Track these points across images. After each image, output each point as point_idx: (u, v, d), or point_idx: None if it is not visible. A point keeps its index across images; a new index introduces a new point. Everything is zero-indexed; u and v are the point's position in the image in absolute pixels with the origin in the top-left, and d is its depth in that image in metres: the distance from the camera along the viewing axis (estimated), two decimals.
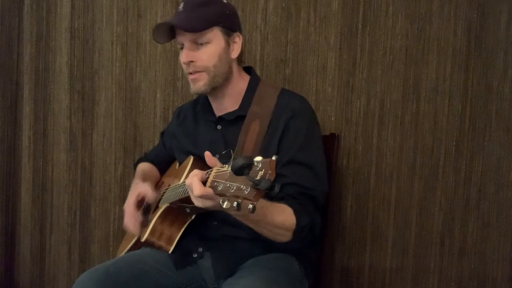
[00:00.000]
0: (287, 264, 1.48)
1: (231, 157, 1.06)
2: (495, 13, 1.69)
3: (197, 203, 1.18)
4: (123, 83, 2.21)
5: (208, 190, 1.10)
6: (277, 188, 1.01)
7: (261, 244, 1.46)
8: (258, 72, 1.81)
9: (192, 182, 1.14)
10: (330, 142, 1.74)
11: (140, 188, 1.61)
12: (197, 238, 1.47)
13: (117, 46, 2.21)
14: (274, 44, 1.95)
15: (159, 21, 2.12)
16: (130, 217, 1.57)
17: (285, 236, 1.37)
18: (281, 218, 1.33)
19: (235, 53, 1.53)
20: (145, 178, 1.69)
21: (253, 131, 1.47)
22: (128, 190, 1.77)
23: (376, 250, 1.85)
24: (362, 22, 1.83)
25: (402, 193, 1.81)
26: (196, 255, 1.53)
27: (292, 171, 1.43)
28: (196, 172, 1.17)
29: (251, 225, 1.31)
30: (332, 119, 1.88)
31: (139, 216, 1.57)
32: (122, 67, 2.21)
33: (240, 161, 1.00)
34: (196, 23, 1.44)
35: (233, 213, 1.22)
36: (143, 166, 1.82)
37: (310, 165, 1.46)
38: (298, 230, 1.36)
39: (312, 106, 1.70)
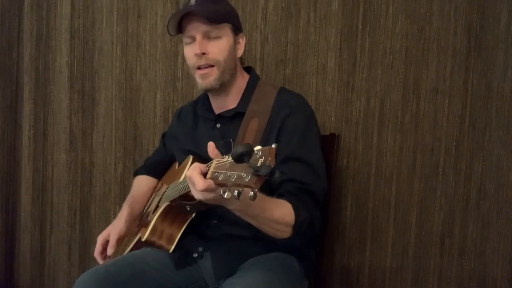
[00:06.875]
0: (287, 264, 1.48)
1: (231, 147, 1.07)
2: (495, 13, 1.69)
3: (198, 196, 1.16)
4: (123, 83, 2.21)
5: (209, 182, 1.10)
6: (277, 174, 1.00)
7: (261, 244, 1.46)
8: (258, 72, 1.81)
9: (193, 175, 1.13)
10: (330, 142, 1.73)
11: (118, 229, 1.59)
12: (197, 238, 1.47)
13: (117, 46, 2.21)
14: (274, 44, 1.95)
15: (159, 21, 2.13)
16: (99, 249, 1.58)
17: (285, 232, 1.36)
18: (280, 212, 1.32)
19: (239, 52, 1.57)
20: (133, 204, 1.68)
21: (251, 128, 1.47)
22: (128, 190, 1.77)
23: (376, 250, 1.85)
24: (362, 22, 1.83)
25: (402, 193, 1.81)
26: (196, 255, 1.53)
27: (290, 168, 1.42)
28: (196, 164, 1.15)
29: (251, 221, 1.30)
30: (332, 119, 1.88)
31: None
32: (122, 67, 2.21)
33: (240, 148, 1.01)
34: (213, 14, 1.47)
35: (232, 207, 1.22)
36: (139, 182, 1.80)
37: (308, 161, 1.46)
38: (297, 225, 1.35)
39: (312, 106, 1.71)
